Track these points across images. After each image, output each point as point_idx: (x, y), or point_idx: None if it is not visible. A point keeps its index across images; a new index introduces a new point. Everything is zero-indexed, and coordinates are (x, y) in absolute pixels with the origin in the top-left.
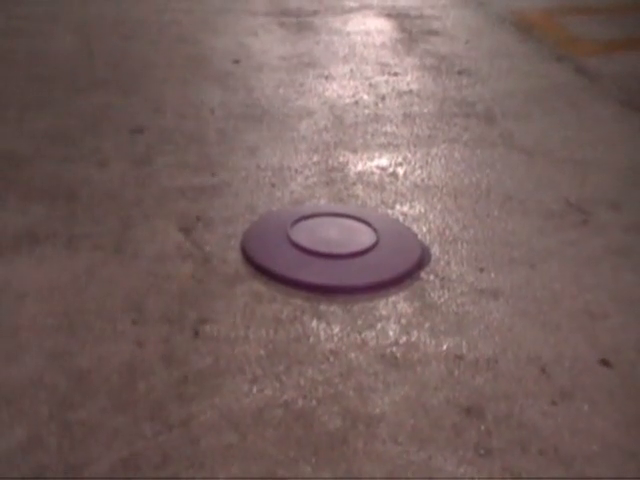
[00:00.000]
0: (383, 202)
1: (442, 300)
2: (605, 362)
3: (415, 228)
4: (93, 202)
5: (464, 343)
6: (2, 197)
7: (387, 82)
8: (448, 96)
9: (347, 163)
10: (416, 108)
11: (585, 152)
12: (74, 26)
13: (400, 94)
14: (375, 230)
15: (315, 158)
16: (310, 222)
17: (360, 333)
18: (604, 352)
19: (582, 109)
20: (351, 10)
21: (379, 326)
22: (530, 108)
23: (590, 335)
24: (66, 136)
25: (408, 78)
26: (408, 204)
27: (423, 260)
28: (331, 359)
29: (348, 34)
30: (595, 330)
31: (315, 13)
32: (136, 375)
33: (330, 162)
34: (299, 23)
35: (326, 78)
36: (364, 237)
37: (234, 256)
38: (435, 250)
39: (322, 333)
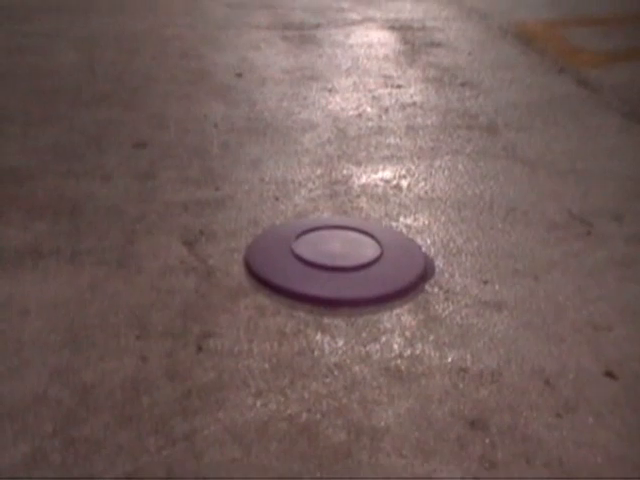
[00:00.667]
0: (387, 214)
1: (446, 312)
2: (609, 374)
3: (419, 240)
4: (96, 217)
5: (468, 356)
6: (6, 212)
7: (390, 94)
8: (451, 108)
9: (351, 176)
10: (419, 120)
11: (587, 163)
12: (77, 41)
13: (403, 106)
14: (379, 243)
15: (319, 171)
16: (314, 235)
17: (364, 346)
18: (608, 364)
19: (584, 120)
20: (354, 23)
21: (383, 339)
22: (532, 120)
23: (594, 347)
24: (69, 151)
25: (411, 90)
26: (412, 216)
27: (427, 272)
28: (335, 372)
29: (351, 47)
30: (599, 342)
31: (318, 26)
32: (140, 390)
33: (334, 175)
34: (302, 36)
35: (329, 91)
36: (368, 250)
37: (238, 270)
38: (439, 262)
39: (326, 346)
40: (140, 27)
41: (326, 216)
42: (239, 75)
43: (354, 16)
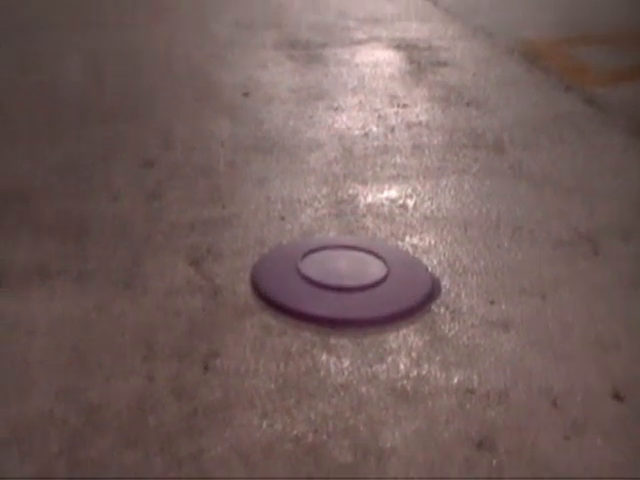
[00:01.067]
0: (393, 234)
1: (453, 333)
2: (617, 395)
3: (425, 260)
4: (103, 236)
5: (475, 376)
6: (13, 231)
7: (396, 113)
8: (457, 127)
9: (357, 195)
10: (425, 139)
11: (594, 181)
12: (83, 57)
13: (409, 125)
14: (385, 262)
15: (325, 190)
16: (320, 255)
17: (371, 366)
18: (617, 384)
19: (591, 138)
20: (360, 42)
21: (390, 359)
22: (539, 138)
23: (602, 367)
24: (77, 170)
25: (417, 109)
26: (418, 236)
27: (433, 292)
28: (342, 393)
29: (357, 66)
30: (607, 362)
31: (324, 45)
32: (146, 410)
33: (340, 194)
34: (308, 55)
35: (335, 110)
36: (374, 269)
37: (244, 289)
38: (445, 282)
39: (332, 366)
40: (146, 44)
41: (332, 235)
42: (246, 94)
43: (360, 35)
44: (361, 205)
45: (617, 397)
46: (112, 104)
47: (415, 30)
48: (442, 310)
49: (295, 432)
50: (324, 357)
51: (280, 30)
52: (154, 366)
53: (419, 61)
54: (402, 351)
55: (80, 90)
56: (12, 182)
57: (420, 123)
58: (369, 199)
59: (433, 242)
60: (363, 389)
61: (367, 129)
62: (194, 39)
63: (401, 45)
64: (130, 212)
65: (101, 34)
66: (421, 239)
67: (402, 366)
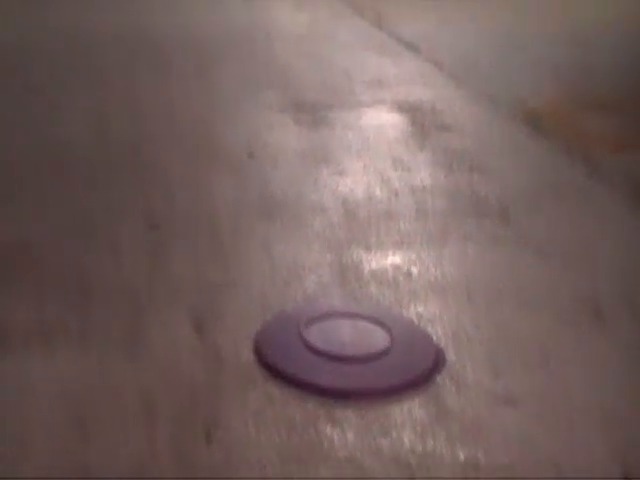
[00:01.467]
0: (397, 301)
1: (458, 406)
2: (626, 476)
3: (430, 329)
4: (106, 296)
5: (481, 451)
6: (15, 288)
7: (400, 177)
8: (460, 192)
9: (361, 261)
10: (429, 205)
11: (598, 249)
12: (90, 117)
13: (413, 190)
14: (390, 332)
15: (329, 256)
16: (324, 323)
17: (375, 440)
18: (624, 460)
19: (594, 206)
20: (365, 104)
21: (394, 433)
22: (542, 205)
23: (609, 441)
24: (80, 229)
25: (421, 174)
26: (422, 304)
27: (438, 363)
28: (345, 466)
29: (361, 128)
30: (614, 436)
31: (329, 107)
32: (146, 476)
33: (344, 260)
34: (313, 117)
35: (340, 174)
36: (379, 339)
37: (247, 356)
38: (450, 353)
39: (336, 439)
40: (151, 103)
41: (336, 303)
42: (250, 154)
43: (365, 97)
44: (365, 272)
45: (626, 475)
46: (117, 164)
47: (419, 93)
48: (447, 382)
49: None
50: (328, 429)
51: (285, 90)
52: (155, 432)
53: (423, 124)
54: (407, 425)
55: (86, 150)
56: (17, 239)
57: (424, 188)
58: (373, 265)
59: (437, 311)
60: (367, 463)
61: (371, 193)
62: (199, 97)
63: (405, 108)
64: (133, 272)
65: (106, 93)
66: (426, 308)
67: (407, 440)
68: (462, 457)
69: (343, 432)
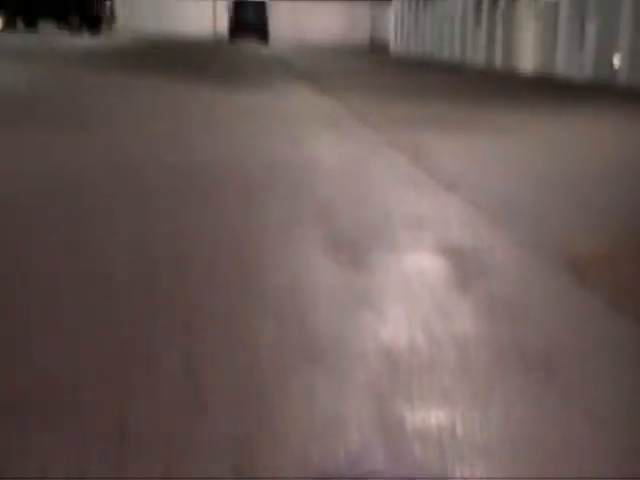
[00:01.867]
0: (441, 465)
1: None
2: None
3: None
4: (145, 440)
5: None
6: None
7: (442, 326)
8: (504, 345)
9: (404, 417)
10: (472, 357)
11: None
12: (129, 242)
13: (455, 340)
14: None
15: (370, 411)
16: None
17: None
18: None
19: None
20: (405, 246)
21: None
22: (589, 363)
23: None
24: (116, 376)
25: (463, 323)
26: (469, 467)
27: None
28: None
29: (402, 272)
30: None
31: (369, 249)
32: None
33: (386, 417)
34: (354, 257)
35: (381, 320)
36: None
37: None
38: None
39: None
40: (193, 232)
41: (380, 467)
42: (290, 297)
43: (405, 239)
44: (408, 429)
45: None
46: (159, 310)
47: (460, 236)
48: None
49: None
50: None
51: (326, 228)
52: None
53: (465, 270)
54: None
55: (125, 283)
56: (61, 382)
57: (466, 338)
58: (417, 423)
59: (485, 475)
60: None
61: (412, 342)
62: (241, 232)
63: (446, 251)
64: (172, 419)
65: (150, 213)
66: (472, 471)
67: None
68: None
69: None
